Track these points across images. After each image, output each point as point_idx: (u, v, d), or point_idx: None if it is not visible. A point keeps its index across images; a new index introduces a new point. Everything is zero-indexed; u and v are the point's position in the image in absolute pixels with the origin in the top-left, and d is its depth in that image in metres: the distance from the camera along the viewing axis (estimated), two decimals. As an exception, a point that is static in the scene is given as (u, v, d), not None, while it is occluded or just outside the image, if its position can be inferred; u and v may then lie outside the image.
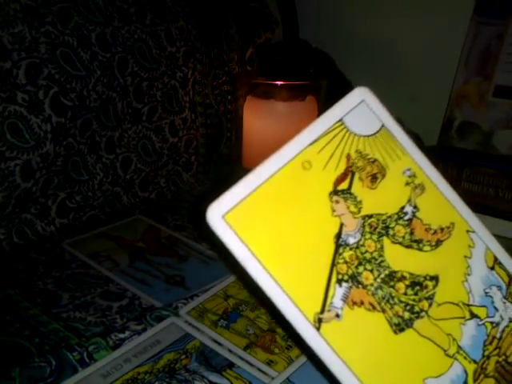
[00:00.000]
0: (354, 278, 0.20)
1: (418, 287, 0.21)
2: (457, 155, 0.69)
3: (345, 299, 0.20)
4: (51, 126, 0.54)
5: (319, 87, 0.71)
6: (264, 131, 0.69)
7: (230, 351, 0.38)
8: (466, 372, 0.21)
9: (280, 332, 0.41)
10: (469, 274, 0.23)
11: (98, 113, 0.60)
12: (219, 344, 0.39)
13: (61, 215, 0.58)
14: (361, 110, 0.23)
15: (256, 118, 0.70)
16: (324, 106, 0.73)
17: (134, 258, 0.52)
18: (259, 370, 0.37)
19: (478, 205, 0.64)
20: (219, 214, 0.20)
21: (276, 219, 0.20)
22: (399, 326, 0.21)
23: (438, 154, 0.71)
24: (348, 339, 0.19)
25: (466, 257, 0.23)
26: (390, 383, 0.20)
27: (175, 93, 0.69)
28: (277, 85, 0.68)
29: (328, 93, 0.74)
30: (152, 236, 0.57)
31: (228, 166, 0.80)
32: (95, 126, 0.60)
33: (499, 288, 0.23)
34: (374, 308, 0.20)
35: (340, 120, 0.22)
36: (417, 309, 0.21)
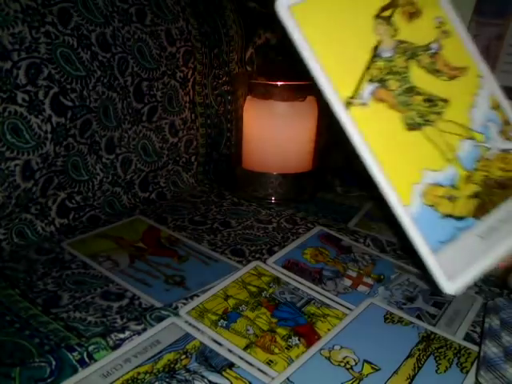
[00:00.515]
0: (383, 82, 0.26)
1: (430, 103, 0.27)
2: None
3: (372, 94, 0.26)
4: (51, 126, 0.54)
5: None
6: (264, 131, 0.69)
7: (230, 351, 0.38)
8: (458, 174, 0.27)
9: (280, 332, 0.41)
10: (474, 107, 0.28)
11: (98, 113, 0.60)
12: (219, 344, 0.39)
13: (61, 215, 0.58)
14: None
15: (256, 118, 0.70)
16: (324, 106, 0.73)
17: (133, 258, 0.52)
18: (259, 370, 0.37)
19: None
20: (287, 4, 0.25)
21: (331, 19, 0.25)
22: (411, 126, 0.26)
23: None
24: (369, 122, 0.25)
25: (474, 94, 0.29)
26: (398, 164, 0.26)
27: (175, 93, 0.69)
28: (277, 85, 0.68)
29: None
30: (152, 236, 0.57)
31: (228, 166, 0.80)
32: (95, 125, 0.60)
33: (497, 124, 0.29)
34: (394, 107, 0.26)
35: None
36: (427, 118, 0.27)
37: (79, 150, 0.59)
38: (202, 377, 0.35)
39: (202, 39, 0.73)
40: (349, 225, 0.63)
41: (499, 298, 0.46)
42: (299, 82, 0.70)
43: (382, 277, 0.50)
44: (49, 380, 0.35)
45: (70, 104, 0.56)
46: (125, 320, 0.42)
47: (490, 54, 0.71)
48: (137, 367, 0.36)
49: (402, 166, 0.26)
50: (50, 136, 0.54)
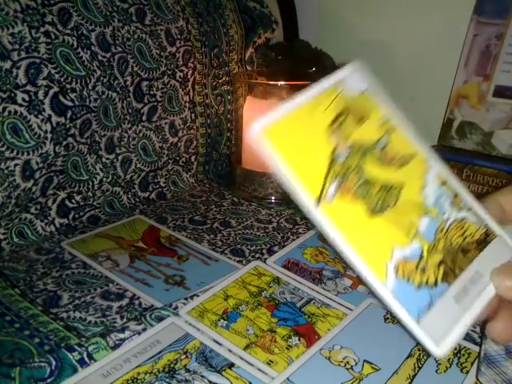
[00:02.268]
0: (344, 178, 0.29)
1: (386, 190, 0.31)
2: (457, 155, 0.69)
3: (335, 191, 0.29)
4: (51, 126, 0.54)
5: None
6: (264, 131, 0.69)
7: (230, 351, 0.38)
8: (422, 248, 0.30)
9: (280, 332, 0.41)
10: (425, 187, 0.32)
11: (98, 113, 0.60)
12: (219, 344, 0.39)
13: (61, 215, 0.58)
14: (356, 74, 0.34)
15: (256, 118, 0.70)
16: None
17: (133, 258, 0.52)
18: (259, 370, 0.37)
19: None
20: (260, 128, 0.29)
21: (295, 136, 0.29)
22: (373, 212, 0.30)
23: (437, 155, 0.71)
24: (337, 216, 0.29)
25: (422, 176, 0.33)
26: (370, 247, 0.29)
27: (175, 93, 0.69)
28: (277, 85, 0.68)
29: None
30: (152, 236, 0.57)
31: (228, 165, 0.80)
32: (95, 126, 0.60)
33: (448, 198, 0.33)
34: (356, 199, 0.29)
35: (340, 82, 0.33)
36: (386, 203, 0.30)
37: (79, 150, 0.59)
38: (202, 377, 0.35)
39: (201, 39, 0.73)
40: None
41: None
42: (299, 82, 0.70)
43: (382, 277, 0.50)
44: (49, 380, 0.35)
45: (69, 104, 0.56)
46: (125, 320, 0.42)
47: (490, 54, 0.71)
48: (137, 367, 0.36)
49: (373, 248, 0.29)
50: (49, 136, 0.54)
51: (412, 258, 0.30)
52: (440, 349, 0.29)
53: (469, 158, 0.70)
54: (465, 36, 0.74)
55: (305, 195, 0.29)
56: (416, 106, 0.72)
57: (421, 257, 0.31)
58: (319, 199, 0.29)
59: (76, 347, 0.37)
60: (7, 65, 0.50)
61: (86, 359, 0.37)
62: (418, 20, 0.82)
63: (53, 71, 0.54)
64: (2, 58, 0.50)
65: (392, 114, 0.34)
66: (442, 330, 0.29)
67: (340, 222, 0.29)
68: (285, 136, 0.30)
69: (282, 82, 0.68)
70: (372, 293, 0.30)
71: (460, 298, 0.31)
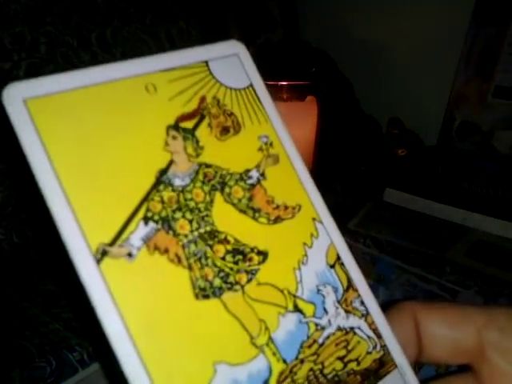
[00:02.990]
0: (166, 222, 0.17)
1: (240, 256, 0.18)
2: (457, 155, 0.69)
3: (146, 240, 0.16)
4: (51, 126, 0.54)
5: (319, 87, 0.71)
6: (264, 131, 0.69)
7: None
8: (270, 370, 0.17)
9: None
10: (303, 263, 0.19)
11: (98, 113, 0.60)
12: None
13: (61, 215, 0.58)
14: (231, 61, 0.22)
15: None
16: (324, 106, 0.73)
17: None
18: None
19: (478, 205, 0.64)
20: (21, 95, 0.17)
21: (92, 128, 0.17)
22: (204, 292, 0.17)
23: (438, 155, 0.71)
24: (133, 286, 0.16)
25: (305, 244, 0.20)
26: (168, 353, 0.16)
27: (175, 93, 0.69)
28: (277, 85, 0.68)
29: (328, 93, 0.74)
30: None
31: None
32: (95, 126, 0.60)
33: (335, 290, 0.20)
34: (180, 262, 0.17)
35: (205, 61, 0.21)
36: (232, 279, 0.18)
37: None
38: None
39: (201, 39, 0.72)
40: (349, 225, 0.63)
41: (500, 298, 0.46)
42: (299, 81, 0.70)
43: (381, 277, 0.50)
44: (49, 380, 0.35)
45: (69, 104, 0.56)
46: (125, 320, 0.42)
47: (490, 54, 0.71)
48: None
49: (183, 356, 0.16)
50: (49, 136, 0.54)
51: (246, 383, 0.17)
52: None
53: (469, 158, 0.70)
54: (465, 36, 0.74)
55: (78, 234, 0.15)
56: (416, 106, 0.73)
57: None
58: (109, 246, 0.16)
59: (76, 347, 0.37)
60: (7, 65, 0.50)
61: (86, 359, 0.37)
62: (418, 20, 0.82)
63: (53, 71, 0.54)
64: (2, 58, 0.50)
65: (281, 134, 0.21)
66: None
67: (136, 294, 0.16)
68: (69, 121, 0.17)
69: (282, 82, 0.68)
70: None
71: None
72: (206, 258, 0.17)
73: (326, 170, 0.79)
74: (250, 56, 0.22)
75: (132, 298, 0.16)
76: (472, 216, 0.64)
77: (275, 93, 0.68)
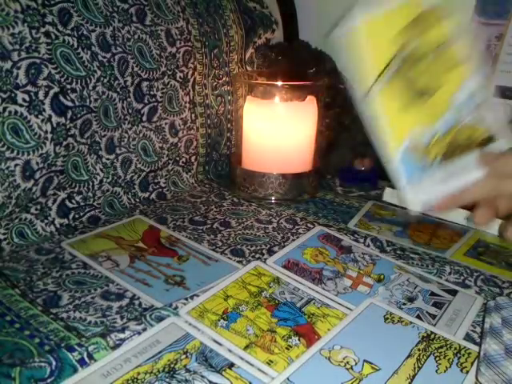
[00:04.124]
0: (400, 70, 0.39)
1: (424, 90, 0.40)
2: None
3: (392, 76, 0.39)
4: (51, 126, 0.54)
5: (319, 87, 0.71)
6: (264, 131, 0.69)
7: (230, 351, 0.38)
8: (434, 135, 0.40)
9: (280, 332, 0.41)
10: (459, 91, 0.40)
11: (98, 113, 0.60)
12: (219, 344, 0.39)
13: (61, 215, 0.58)
14: None
15: (256, 118, 0.70)
16: (324, 106, 0.73)
17: (133, 258, 0.52)
18: (259, 370, 0.37)
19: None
20: (357, 23, 0.39)
21: (377, 35, 0.39)
22: (411, 101, 0.40)
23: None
24: (386, 97, 0.39)
25: (462, 81, 0.40)
26: (398, 123, 0.40)
27: (175, 93, 0.69)
28: (277, 85, 0.68)
29: (328, 93, 0.74)
30: (152, 236, 0.57)
31: (228, 165, 0.80)
32: (95, 126, 0.60)
33: (474, 103, 0.40)
34: (399, 91, 0.40)
35: None
36: (424, 96, 0.40)
37: (79, 150, 0.59)
38: (202, 377, 0.35)
39: (202, 39, 0.73)
40: (349, 225, 0.63)
41: (500, 297, 0.46)
42: (299, 81, 0.70)
43: (381, 277, 0.50)
44: (49, 380, 0.35)
45: (70, 104, 0.56)
46: (125, 320, 0.42)
47: (490, 55, 0.71)
48: (137, 367, 0.36)
49: (400, 126, 0.40)
50: (50, 136, 0.54)
51: (424, 140, 0.40)
52: (415, 206, 0.40)
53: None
54: (465, 36, 0.74)
55: (367, 78, 0.38)
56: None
57: (429, 142, 0.40)
58: (376, 80, 0.38)
59: (76, 347, 0.37)
60: (8, 65, 0.50)
61: (86, 359, 0.37)
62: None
63: (53, 71, 0.54)
64: (3, 59, 0.50)
65: (462, 25, 0.40)
66: (421, 195, 0.40)
67: (386, 102, 0.39)
68: (370, 33, 0.38)
69: (282, 82, 0.68)
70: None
71: (446, 177, 0.40)
72: (414, 87, 0.40)
73: (326, 169, 0.79)
74: None
75: (386, 102, 0.39)
76: (472, 216, 0.63)
77: (275, 93, 0.68)
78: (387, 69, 0.38)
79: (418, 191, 0.40)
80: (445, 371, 0.38)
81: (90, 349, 0.37)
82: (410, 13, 0.39)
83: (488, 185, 0.41)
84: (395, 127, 0.40)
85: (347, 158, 0.80)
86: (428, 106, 0.40)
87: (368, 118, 0.40)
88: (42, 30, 0.53)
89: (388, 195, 0.71)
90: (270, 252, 0.55)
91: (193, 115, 0.73)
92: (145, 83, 0.65)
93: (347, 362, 0.38)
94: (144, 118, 0.66)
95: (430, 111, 0.40)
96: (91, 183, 0.61)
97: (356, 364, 0.38)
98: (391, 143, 0.39)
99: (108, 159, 0.62)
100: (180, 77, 0.70)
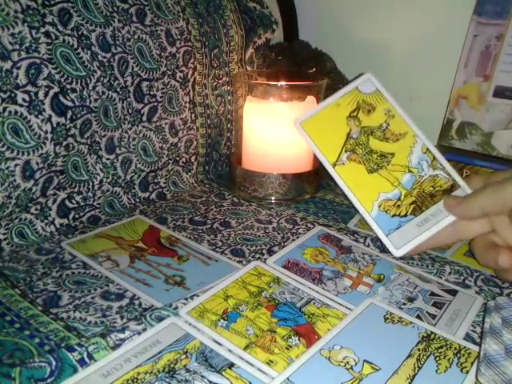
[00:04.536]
0: (353, 150, 0.50)
1: (382, 157, 0.50)
2: (457, 155, 0.69)
3: (347, 158, 0.50)
4: (51, 126, 0.54)
5: (319, 87, 0.71)
6: (264, 131, 0.69)
7: (230, 351, 0.38)
8: (401, 193, 0.49)
9: (280, 332, 0.41)
10: (411, 154, 0.50)
11: (98, 113, 0.60)
12: (219, 344, 0.39)
13: (61, 215, 0.58)
14: (368, 81, 0.53)
15: (256, 118, 0.70)
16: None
17: (133, 258, 0.52)
18: (259, 370, 0.37)
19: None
20: (299, 122, 0.53)
21: (322, 124, 0.51)
22: (371, 170, 0.50)
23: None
24: (347, 172, 0.50)
25: (411, 146, 0.51)
26: (365, 192, 0.49)
27: (175, 93, 0.69)
28: (277, 85, 0.68)
29: (328, 93, 0.74)
30: (152, 236, 0.57)
31: (228, 165, 0.80)
32: (95, 125, 0.60)
33: (427, 161, 0.50)
34: (361, 162, 0.50)
35: (356, 87, 0.53)
36: (381, 165, 0.50)
37: (79, 150, 0.59)
38: (202, 377, 0.35)
39: (202, 39, 0.73)
40: (349, 225, 0.63)
41: (500, 297, 0.46)
42: (299, 81, 0.70)
43: (381, 277, 0.50)
44: (49, 380, 0.35)
45: (70, 104, 0.56)
46: (125, 320, 0.42)
47: (490, 55, 0.71)
48: (137, 367, 0.36)
49: (366, 191, 0.50)
50: (49, 136, 0.54)
51: (392, 199, 0.49)
52: (398, 251, 0.49)
53: (469, 158, 0.70)
54: (465, 36, 0.74)
55: (326, 160, 0.51)
56: (416, 107, 0.73)
57: (399, 199, 0.49)
58: (336, 162, 0.51)
59: (76, 347, 0.37)
60: (7, 65, 0.50)
61: (86, 359, 0.37)
62: (417, 20, 0.82)
63: (53, 71, 0.54)
64: (3, 59, 0.50)
65: (393, 106, 0.52)
66: (402, 241, 0.48)
67: (348, 176, 0.50)
68: (316, 125, 0.52)
69: (282, 82, 0.68)
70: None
71: (421, 224, 0.48)
72: (370, 160, 0.50)
73: (326, 169, 0.79)
74: (374, 77, 0.54)
75: (347, 176, 0.51)
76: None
77: (275, 93, 0.68)
78: (343, 150, 0.50)
79: (397, 240, 0.48)
80: (445, 371, 0.38)
81: (90, 349, 0.37)
82: (352, 100, 0.52)
83: (458, 227, 0.48)
84: (363, 193, 0.49)
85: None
86: (389, 171, 0.50)
87: (339, 185, 0.50)
88: (42, 30, 0.53)
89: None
90: (270, 252, 0.55)
91: (193, 115, 0.73)
92: (145, 83, 0.65)
93: (347, 362, 0.38)
94: (144, 118, 0.66)
95: (391, 175, 0.50)
96: (91, 183, 0.61)
97: (356, 364, 0.38)
98: (363, 206, 0.49)
99: (108, 159, 0.63)
100: (180, 77, 0.70)
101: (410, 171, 0.49)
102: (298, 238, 0.58)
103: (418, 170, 0.49)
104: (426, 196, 0.48)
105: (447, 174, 0.49)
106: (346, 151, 0.49)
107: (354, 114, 0.51)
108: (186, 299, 0.44)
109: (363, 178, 0.49)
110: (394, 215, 0.48)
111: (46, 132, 0.54)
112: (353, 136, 0.50)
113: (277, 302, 0.45)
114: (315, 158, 0.73)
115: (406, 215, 0.48)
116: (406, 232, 0.48)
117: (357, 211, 0.51)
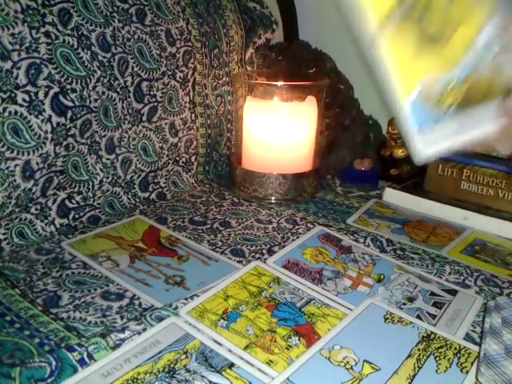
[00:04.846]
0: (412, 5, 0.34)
1: (446, 23, 0.35)
2: (457, 155, 0.69)
3: (405, 13, 0.34)
4: (51, 126, 0.54)
5: (319, 87, 0.71)
6: (264, 131, 0.69)
7: (230, 351, 0.38)
8: (451, 81, 0.36)
9: (280, 332, 0.41)
10: (482, 30, 0.35)
11: (98, 113, 0.60)
12: (219, 344, 0.39)
13: (61, 215, 0.58)
14: None
15: (256, 118, 0.70)
16: (324, 106, 0.73)
17: (133, 258, 0.52)
18: (259, 370, 0.37)
19: (478, 205, 0.64)
20: None
21: None
22: (427, 40, 0.35)
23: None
24: (397, 37, 0.34)
25: (486, 19, 0.35)
26: (408, 68, 0.35)
27: (175, 93, 0.69)
28: (277, 85, 0.68)
29: (328, 93, 0.74)
30: (152, 236, 0.57)
31: (228, 165, 0.80)
32: (95, 125, 0.60)
33: (498, 45, 0.36)
34: (418, 25, 0.34)
35: None
36: (440, 35, 0.35)
37: (79, 150, 0.59)
38: (202, 377, 0.35)
39: (202, 39, 0.73)
40: (348, 220, 0.63)
41: (500, 297, 0.46)
42: (299, 81, 0.70)
43: (381, 277, 0.50)
44: (49, 380, 0.35)
45: (70, 104, 0.56)
46: (125, 320, 0.42)
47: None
48: (137, 367, 0.36)
49: (411, 70, 0.36)
50: (50, 136, 0.54)
51: (438, 88, 0.36)
52: (423, 156, 0.37)
53: (469, 158, 0.70)
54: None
55: (373, 23, 0.34)
56: (416, 106, 0.72)
57: (444, 90, 0.36)
58: (384, 24, 0.34)
59: (76, 347, 0.37)
60: (8, 65, 0.50)
61: (86, 359, 0.37)
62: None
63: (53, 71, 0.54)
64: (3, 59, 0.50)
65: None
66: (432, 144, 0.37)
67: (395, 47, 0.35)
68: None
69: (282, 82, 0.68)
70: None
71: (460, 127, 0.37)
72: (430, 24, 0.35)
73: (326, 169, 0.79)
74: None
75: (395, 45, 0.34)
76: (472, 216, 0.64)
77: (275, 93, 0.68)
78: (395, 12, 0.35)
79: (428, 141, 0.38)
80: (445, 371, 0.38)
81: (90, 349, 0.37)
82: None
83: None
84: (406, 74, 0.37)
85: (347, 158, 0.80)
86: (443, 52, 0.37)
87: (375, 65, 0.37)
88: (42, 29, 0.53)
89: (388, 195, 0.71)
90: (270, 252, 0.55)
91: (193, 115, 0.73)
92: (145, 83, 0.65)
93: (347, 362, 0.38)
94: (144, 118, 0.66)
95: (445, 57, 0.37)
96: (91, 183, 0.61)
97: (356, 364, 0.38)
98: (401, 91, 0.37)
99: (108, 159, 0.62)
100: (180, 77, 0.70)
101: (472, 53, 0.37)
102: (298, 237, 0.58)
103: (483, 54, 0.37)
104: (474, 96, 0.38)
105: (510, 74, 0.38)
106: (394, 16, 0.35)
107: None
108: (186, 299, 0.44)
109: (408, 54, 0.36)
110: (433, 108, 0.38)
111: (46, 132, 0.54)
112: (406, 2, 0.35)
113: (277, 301, 0.45)
114: (315, 158, 0.73)
115: (446, 112, 0.38)
116: (442, 133, 0.38)
117: (383, 97, 0.39)
